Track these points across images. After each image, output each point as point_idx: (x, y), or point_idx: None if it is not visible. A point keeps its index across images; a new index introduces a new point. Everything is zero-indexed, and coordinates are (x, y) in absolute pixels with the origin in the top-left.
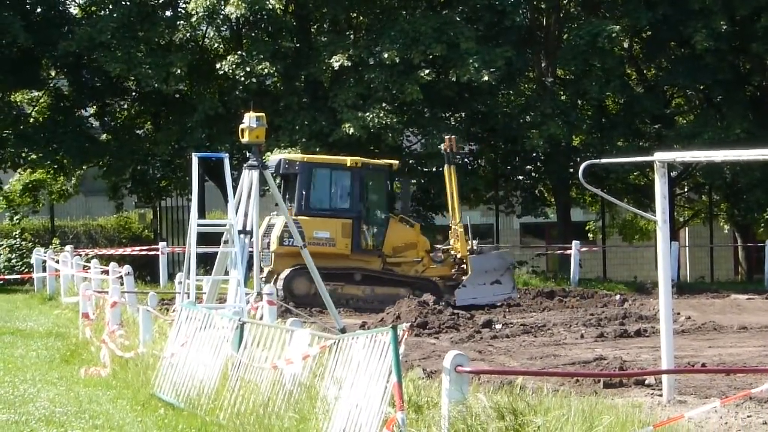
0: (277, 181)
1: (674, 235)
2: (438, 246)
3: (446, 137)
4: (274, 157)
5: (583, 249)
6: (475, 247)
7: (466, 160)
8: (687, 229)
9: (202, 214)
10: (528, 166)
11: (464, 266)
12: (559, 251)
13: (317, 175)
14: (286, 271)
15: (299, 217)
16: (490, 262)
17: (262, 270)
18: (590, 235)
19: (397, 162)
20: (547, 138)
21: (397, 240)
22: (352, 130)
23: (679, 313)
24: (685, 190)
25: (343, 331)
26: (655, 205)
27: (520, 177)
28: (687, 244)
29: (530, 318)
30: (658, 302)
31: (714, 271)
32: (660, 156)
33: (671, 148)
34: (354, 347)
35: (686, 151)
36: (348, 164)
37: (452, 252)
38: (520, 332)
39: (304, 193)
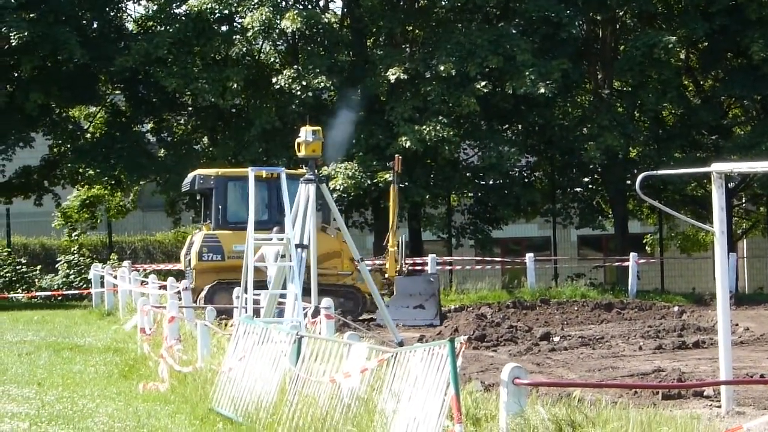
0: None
1: (732, 247)
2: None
3: (396, 156)
4: (191, 174)
5: (641, 261)
6: (404, 269)
7: (522, 173)
8: (745, 240)
9: None
10: (585, 178)
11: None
12: (616, 263)
13: (232, 189)
14: (207, 287)
15: (217, 232)
16: (416, 287)
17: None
18: (648, 248)
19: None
20: (604, 150)
21: (321, 249)
22: (408, 144)
23: (737, 325)
24: (743, 201)
25: (400, 344)
26: (712, 217)
27: (577, 189)
28: (745, 255)
29: (588, 330)
30: (716, 314)
31: None
32: (717, 167)
33: (729, 159)
34: (412, 360)
35: (744, 162)
36: (264, 176)
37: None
38: (578, 345)
39: (220, 207)
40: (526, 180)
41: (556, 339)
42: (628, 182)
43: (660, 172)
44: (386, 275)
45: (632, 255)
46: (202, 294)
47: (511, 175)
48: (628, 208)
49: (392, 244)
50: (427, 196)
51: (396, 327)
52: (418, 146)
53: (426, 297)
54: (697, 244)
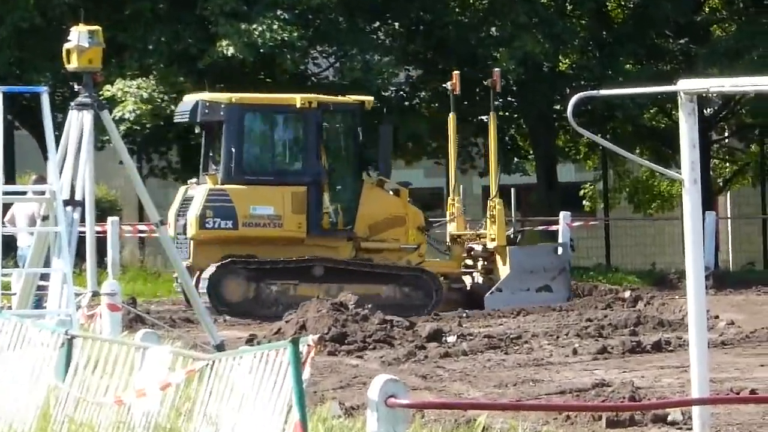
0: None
1: (710, 202)
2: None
3: (494, 70)
4: (188, 98)
5: (576, 223)
6: (512, 234)
7: (402, 93)
8: (729, 193)
9: (10, 176)
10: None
11: (494, 261)
12: (540, 226)
13: (253, 123)
14: (212, 268)
15: (228, 187)
16: (539, 260)
17: None
18: (586, 202)
19: (371, 99)
20: (522, 58)
21: (376, 214)
22: (231, 51)
23: (717, 317)
24: (726, 135)
25: (220, 348)
26: (680, 158)
27: (483, 117)
28: (729, 215)
29: (499, 326)
30: (685, 301)
31: None
32: (686, 85)
33: (704, 73)
34: (237, 371)
35: (725, 78)
36: (298, 105)
37: (481, 239)
38: (483, 347)
39: (233, 150)
40: (406, 104)
41: (452, 339)
42: (558, 107)
43: (603, 92)
44: (486, 245)
45: (563, 214)
46: (205, 275)
47: (385, 97)
48: (557, 146)
49: (494, 199)
50: None
51: (214, 324)
52: (246, 53)
53: (553, 274)
54: (658, 198)
